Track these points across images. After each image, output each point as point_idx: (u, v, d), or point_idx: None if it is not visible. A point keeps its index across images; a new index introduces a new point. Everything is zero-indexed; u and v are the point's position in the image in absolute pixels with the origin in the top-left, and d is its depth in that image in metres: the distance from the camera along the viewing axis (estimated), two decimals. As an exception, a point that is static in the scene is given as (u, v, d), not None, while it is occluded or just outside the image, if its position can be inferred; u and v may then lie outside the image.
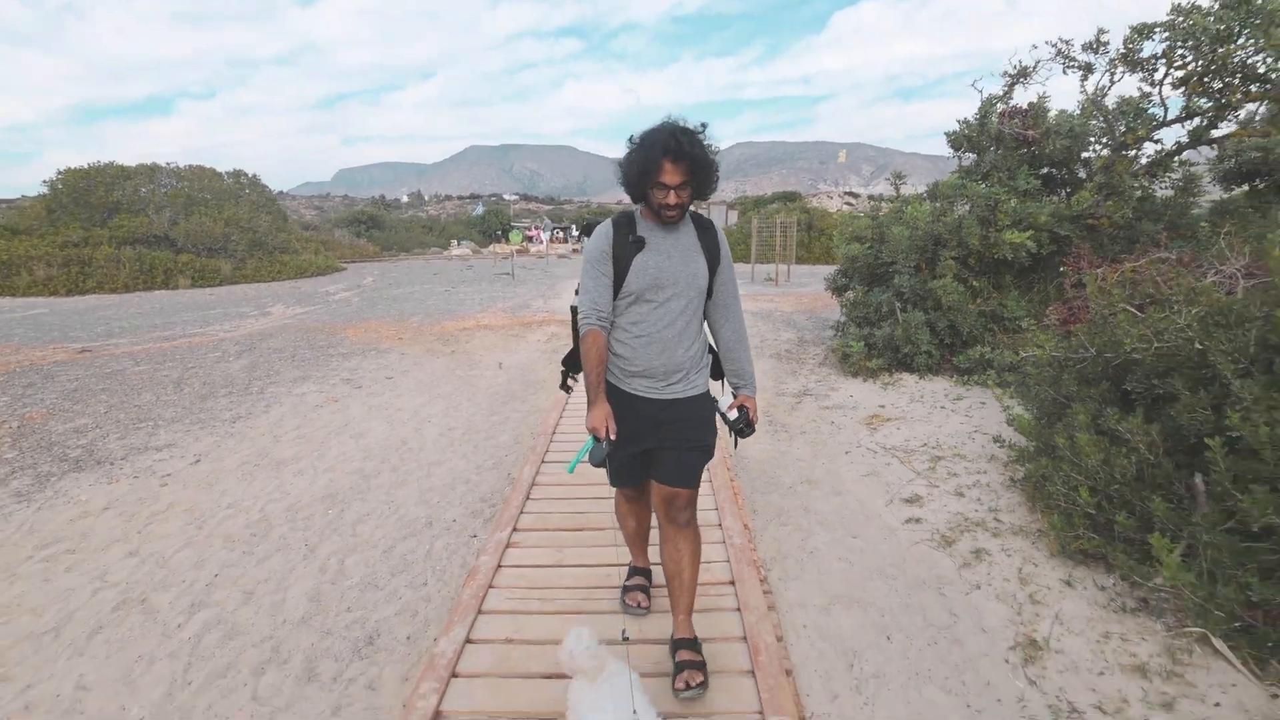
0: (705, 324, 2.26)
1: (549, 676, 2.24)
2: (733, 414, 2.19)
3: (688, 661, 2.20)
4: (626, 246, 2.06)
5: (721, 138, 2.07)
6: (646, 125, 1.96)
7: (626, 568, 2.72)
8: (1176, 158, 5.50)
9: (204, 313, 12.60)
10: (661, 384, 2.13)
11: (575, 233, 40.01)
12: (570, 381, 2.42)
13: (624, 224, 2.10)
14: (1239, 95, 4.65)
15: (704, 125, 1.99)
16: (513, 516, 3.48)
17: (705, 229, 2.16)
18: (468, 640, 2.49)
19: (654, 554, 2.59)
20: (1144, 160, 5.28)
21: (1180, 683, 2.16)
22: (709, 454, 2.21)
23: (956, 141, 6.47)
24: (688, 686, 2.13)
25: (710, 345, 2.31)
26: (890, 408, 5.35)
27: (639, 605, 2.55)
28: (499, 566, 3.02)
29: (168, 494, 4.27)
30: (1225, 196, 6.88)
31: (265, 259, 19.54)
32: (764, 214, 22.46)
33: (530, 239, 38.05)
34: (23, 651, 2.73)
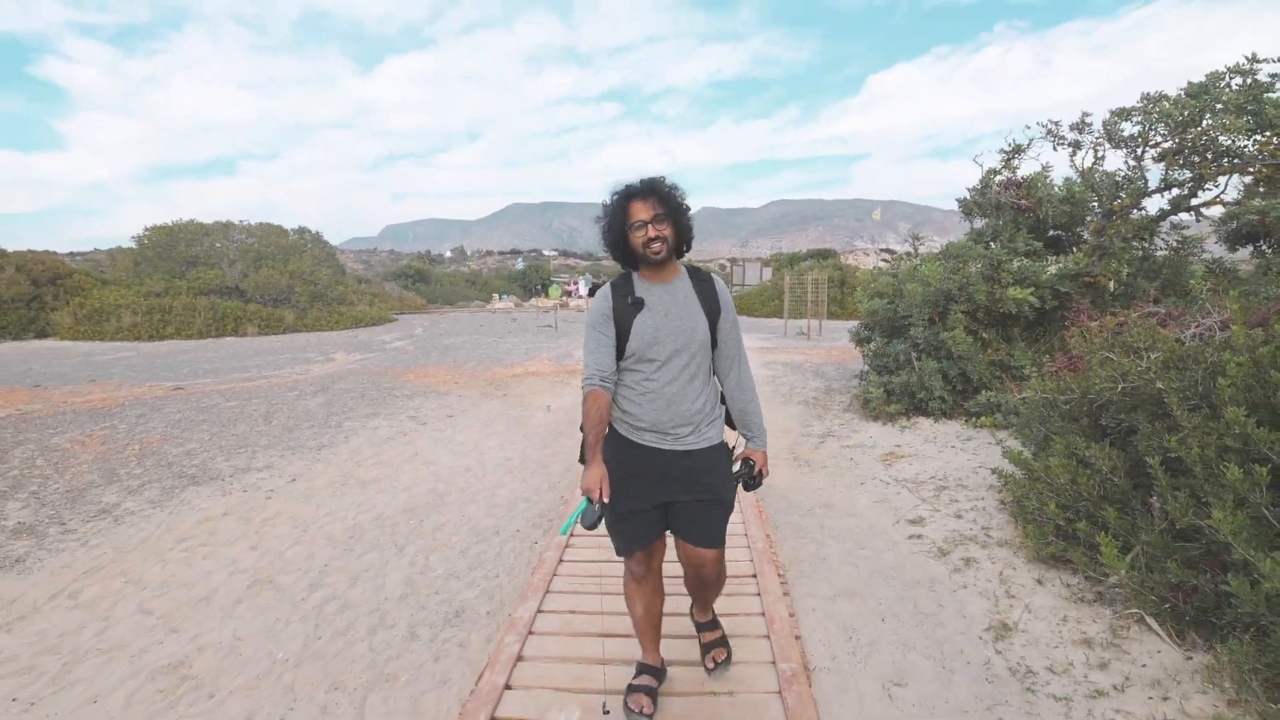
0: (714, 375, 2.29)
1: (604, 635, 2.84)
2: (737, 466, 2.23)
3: (714, 641, 2.51)
4: (626, 309, 2.09)
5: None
6: (689, 177, 2.19)
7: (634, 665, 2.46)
8: (1162, 222, 6.05)
9: (274, 357, 13.71)
10: (670, 437, 2.14)
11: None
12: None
13: (621, 285, 2.14)
14: (1211, 169, 5.24)
15: (664, 177, 2.10)
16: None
17: (702, 281, 2.20)
18: (539, 610, 3.11)
19: (665, 646, 2.56)
20: (1132, 226, 5.84)
21: (1117, 650, 2.66)
22: (728, 508, 2.22)
23: (967, 207, 7.13)
24: (716, 664, 2.46)
25: (722, 396, 2.34)
26: (905, 446, 5.87)
27: (641, 711, 2.26)
28: (560, 560, 3.65)
29: (273, 505, 5.02)
30: (1227, 256, 7.39)
31: (325, 309, 20.92)
32: (797, 271, 23.21)
33: (569, 294, 39.41)
34: (185, 613, 3.43)
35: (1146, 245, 6.57)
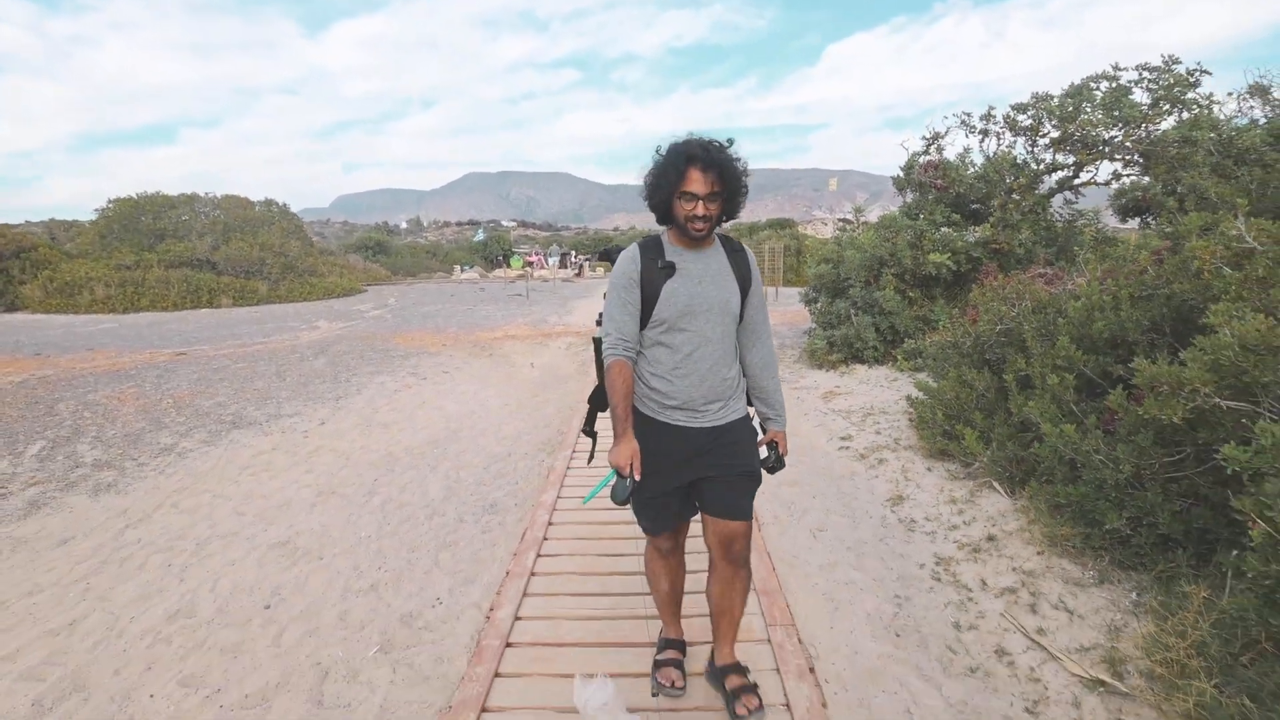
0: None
1: (611, 524, 3.86)
2: (763, 451, 2.13)
3: (742, 687, 2.18)
4: (655, 273, 1.95)
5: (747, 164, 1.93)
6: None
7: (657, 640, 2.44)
8: (1054, 198, 7.23)
9: (259, 326, 14.26)
10: (701, 415, 2.02)
11: (575, 259, 41.92)
12: (595, 429, 2.22)
13: (651, 248, 1.99)
14: (1087, 156, 6.40)
15: (730, 141, 1.91)
16: (572, 441, 5.14)
17: (735, 251, 2.07)
18: (557, 501, 4.12)
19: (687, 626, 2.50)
20: (1030, 201, 7.00)
21: (972, 504, 3.80)
22: (757, 480, 2.11)
23: (899, 184, 8.23)
24: (749, 712, 2.10)
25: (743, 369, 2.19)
26: (842, 387, 7.01)
27: (673, 685, 2.24)
28: (567, 469, 4.66)
29: (312, 441, 5.90)
30: (1120, 226, 8.70)
31: (297, 281, 21.26)
32: (755, 240, 24.32)
33: (530, 264, 39.91)
34: (273, 514, 4.35)
35: (1044, 217, 7.77)
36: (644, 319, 1.99)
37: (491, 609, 2.93)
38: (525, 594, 3.00)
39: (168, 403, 7.08)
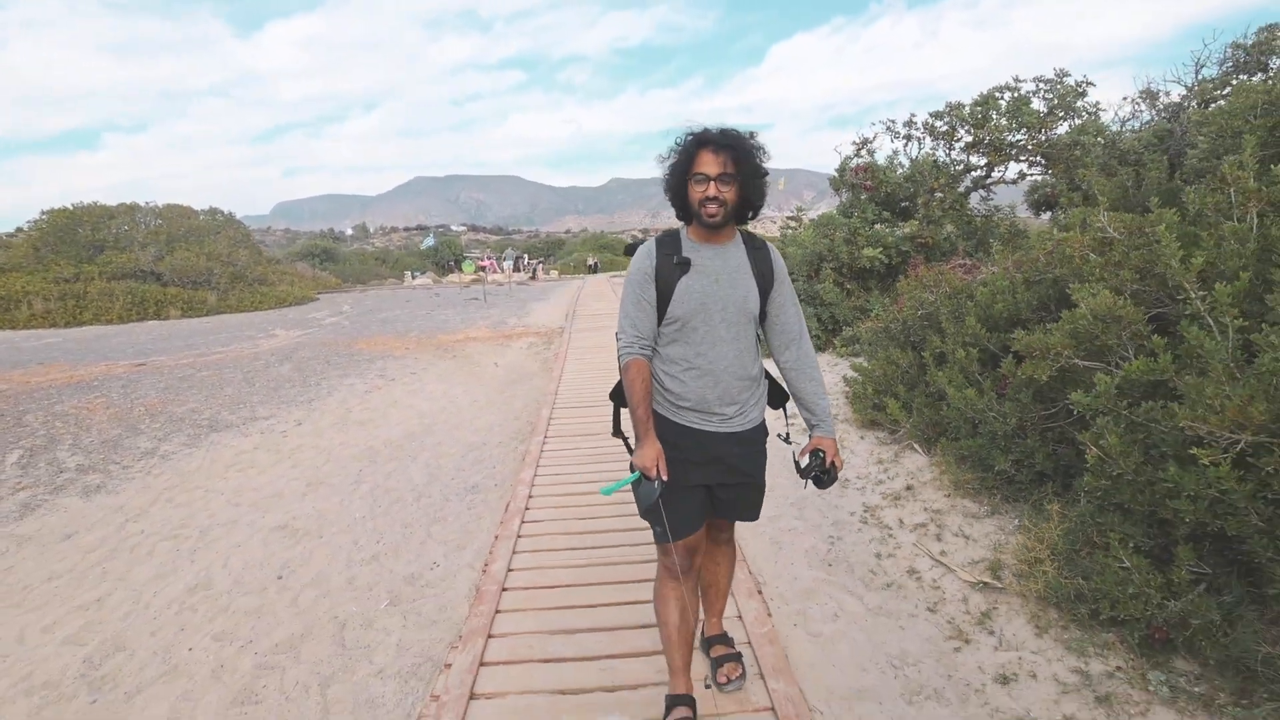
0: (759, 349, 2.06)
1: (586, 495, 4.33)
2: (805, 459, 1.99)
3: (726, 655, 2.30)
4: (670, 268, 1.89)
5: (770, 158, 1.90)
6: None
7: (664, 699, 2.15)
8: (971, 196, 8.01)
9: (214, 336, 14.18)
10: (716, 418, 1.94)
11: (527, 262, 42.14)
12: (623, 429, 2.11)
13: (668, 243, 1.95)
14: (996, 157, 7.17)
15: (752, 134, 1.89)
16: (544, 428, 5.59)
17: (757, 248, 1.99)
18: (535, 478, 4.57)
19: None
20: (949, 199, 7.76)
21: (896, 464, 4.40)
22: (763, 488, 2.11)
23: (835, 184, 8.91)
24: (729, 680, 2.24)
25: (767, 372, 2.12)
26: (789, 373, 7.64)
27: None
28: (542, 451, 5.11)
29: (292, 440, 6.18)
30: (1034, 219, 9.58)
31: (247, 290, 20.97)
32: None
33: (483, 269, 39.91)
34: (267, 503, 4.67)
35: (964, 213, 8.55)
36: (659, 316, 1.92)
37: (486, 565, 3.37)
38: (514, 551, 3.45)
39: (140, 410, 7.23)
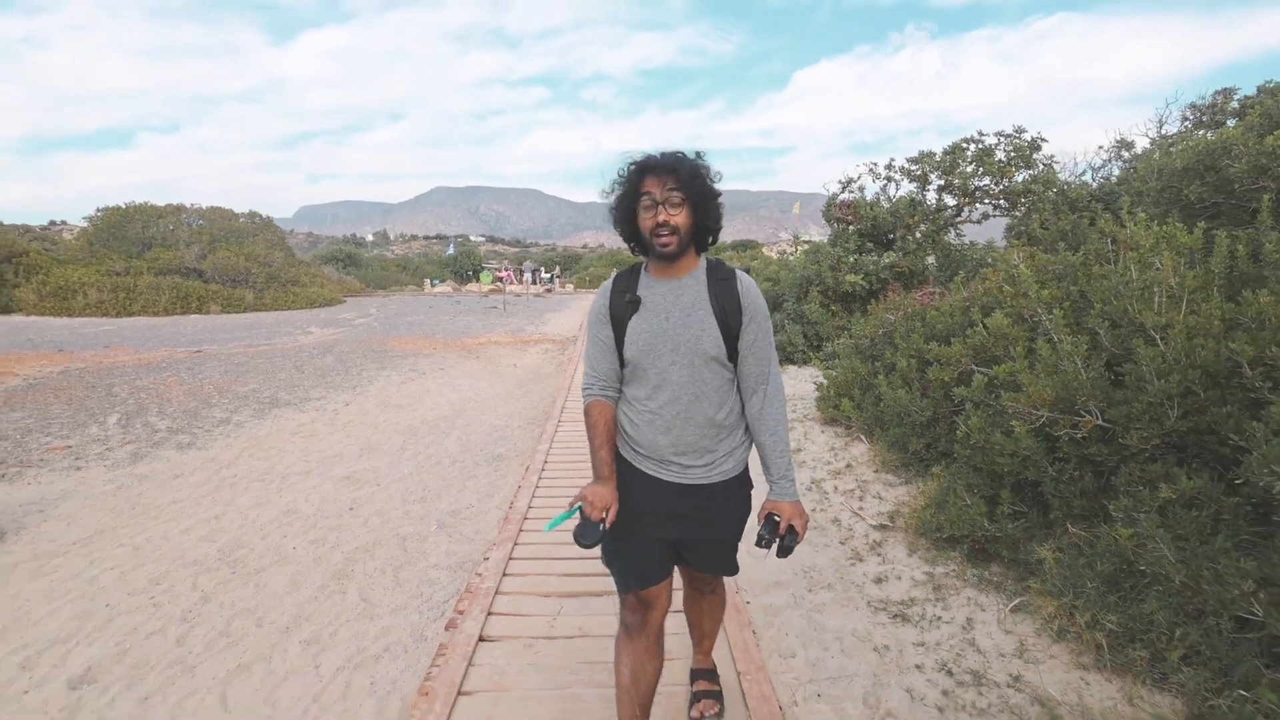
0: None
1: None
2: (759, 525, 1.80)
3: (705, 691, 2.25)
4: (623, 306, 1.79)
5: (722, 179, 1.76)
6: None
7: None
8: (946, 231, 9.01)
9: (256, 331, 15.39)
10: (673, 467, 1.79)
11: (544, 275, 43.46)
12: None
13: (624, 278, 1.84)
14: (966, 200, 8.19)
15: (699, 154, 1.74)
16: (557, 414, 6.62)
17: (722, 279, 1.78)
18: (549, 450, 5.59)
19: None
20: (927, 233, 8.75)
21: (844, 450, 5.38)
22: (738, 540, 1.96)
23: (826, 216, 9.94)
24: (703, 716, 2.17)
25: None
26: (775, 382, 8.62)
27: None
28: (556, 431, 6.13)
29: (344, 416, 7.25)
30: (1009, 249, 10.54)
31: (281, 290, 22.30)
32: (717, 260, 26.13)
33: (500, 280, 41.26)
34: (330, 461, 5.72)
35: (943, 245, 9.55)
36: (620, 356, 1.82)
37: (511, 504, 4.39)
38: (533, 496, 4.47)
39: (209, 388, 8.34)
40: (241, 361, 10.34)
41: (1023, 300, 4.09)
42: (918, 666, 2.57)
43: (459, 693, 2.43)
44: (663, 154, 1.71)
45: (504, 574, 3.36)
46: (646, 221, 1.70)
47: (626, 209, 1.73)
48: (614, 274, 1.91)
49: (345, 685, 2.65)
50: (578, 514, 1.72)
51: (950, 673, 2.51)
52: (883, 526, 3.83)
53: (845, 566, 3.50)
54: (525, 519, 4.08)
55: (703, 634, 2.25)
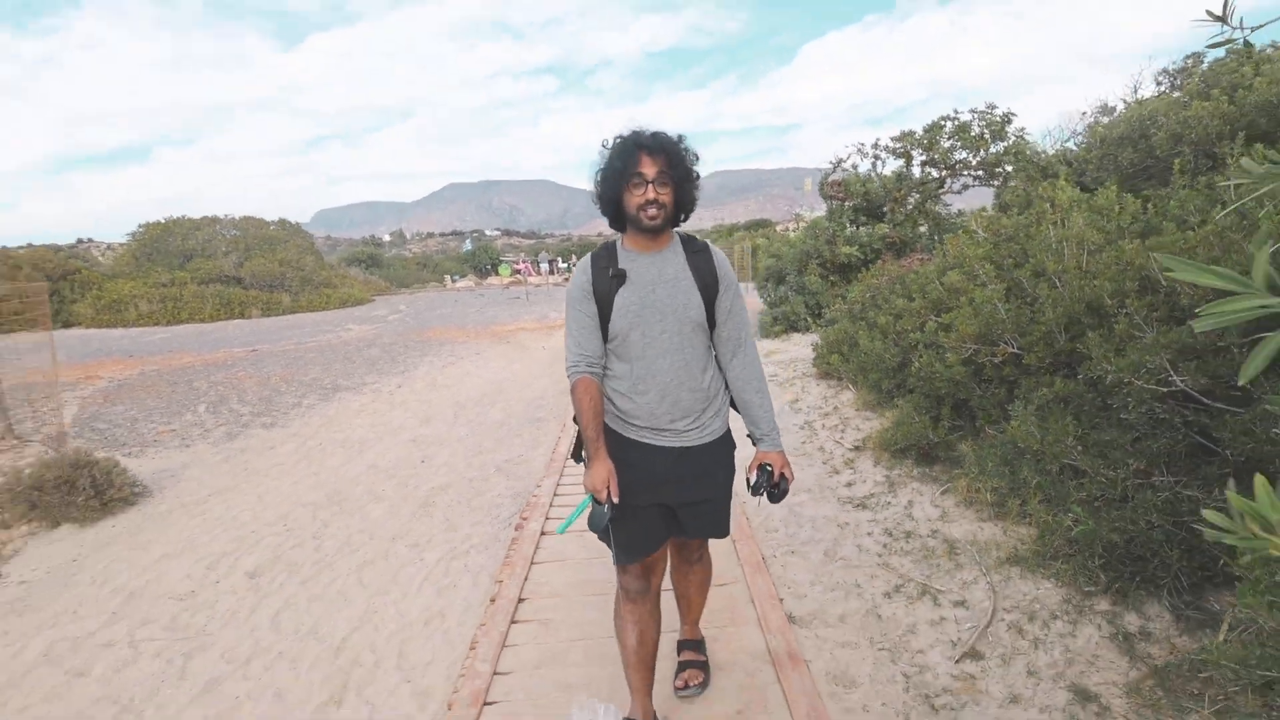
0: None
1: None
2: (753, 475, 1.93)
3: (690, 662, 2.33)
4: (606, 282, 1.85)
5: (701, 162, 1.87)
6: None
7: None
8: (929, 201, 9.72)
9: (301, 330, 16.53)
10: (669, 433, 1.89)
11: (561, 264, 44.40)
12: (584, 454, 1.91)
13: (603, 256, 1.90)
14: (948, 172, 8.91)
15: (681, 137, 1.83)
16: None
17: (697, 251, 1.91)
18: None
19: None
20: (916, 204, 9.48)
21: (834, 397, 6.23)
22: (730, 497, 2.04)
23: (822, 195, 10.69)
24: (686, 685, 2.26)
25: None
26: (779, 348, 9.46)
27: None
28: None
29: (399, 396, 8.26)
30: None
31: (314, 292, 23.49)
32: (731, 241, 26.85)
33: (518, 272, 42.23)
34: (395, 430, 6.71)
35: (932, 215, 10.27)
36: (604, 332, 1.88)
37: (554, 450, 5.33)
38: (573, 442, 5.40)
39: (276, 379, 9.41)
40: (297, 356, 11.42)
41: (968, 258, 4.91)
42: (868, 533, 3.47)
43: (531, 563, 3.38)
44: (653, 134, 1.80)
45: (554, 494, 4.31)
46: (636, 198, 1.79)
47: (614, 185, 1.81)
48: (589, 254, 1.97)
49: (446, 569, 3.62)
50: (590, 504, 1.83)
51: (890, 534, 3.40)
52: (856, 448, 4.71)
53: (824, 478, 4.38)
54: (566, 460, 5.02)
55: (690, 605, 2.34)
